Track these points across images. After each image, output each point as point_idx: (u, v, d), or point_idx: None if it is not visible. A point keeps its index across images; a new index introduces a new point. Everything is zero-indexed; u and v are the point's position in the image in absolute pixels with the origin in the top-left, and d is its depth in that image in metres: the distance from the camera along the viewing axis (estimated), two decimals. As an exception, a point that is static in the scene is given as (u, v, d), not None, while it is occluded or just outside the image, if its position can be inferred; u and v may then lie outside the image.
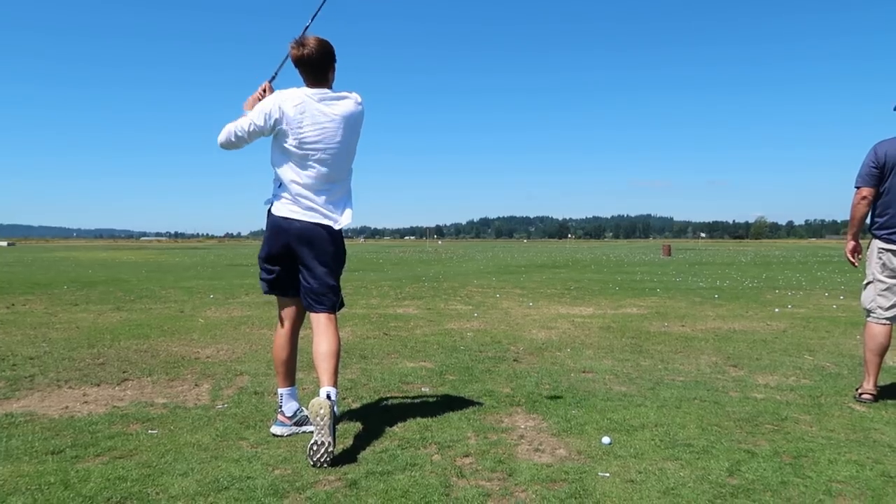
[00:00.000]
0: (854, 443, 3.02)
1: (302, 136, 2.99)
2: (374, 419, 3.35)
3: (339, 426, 3.22)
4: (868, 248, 4.00)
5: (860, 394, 3.80)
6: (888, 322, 3.86)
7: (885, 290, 3.87)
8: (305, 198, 3.02)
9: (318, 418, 2.69)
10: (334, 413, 2.77)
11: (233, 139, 3.04)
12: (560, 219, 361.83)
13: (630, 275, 16.28)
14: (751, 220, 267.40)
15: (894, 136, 3.84)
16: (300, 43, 2.99)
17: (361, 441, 3.00)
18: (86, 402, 3.72)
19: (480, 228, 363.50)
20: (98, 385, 4.13)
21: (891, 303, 3.85)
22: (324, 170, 3.01)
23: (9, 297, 9.92)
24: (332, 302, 3.07)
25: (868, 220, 3.97)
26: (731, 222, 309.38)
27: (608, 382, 4.21)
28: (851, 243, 4.05)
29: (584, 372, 4.54)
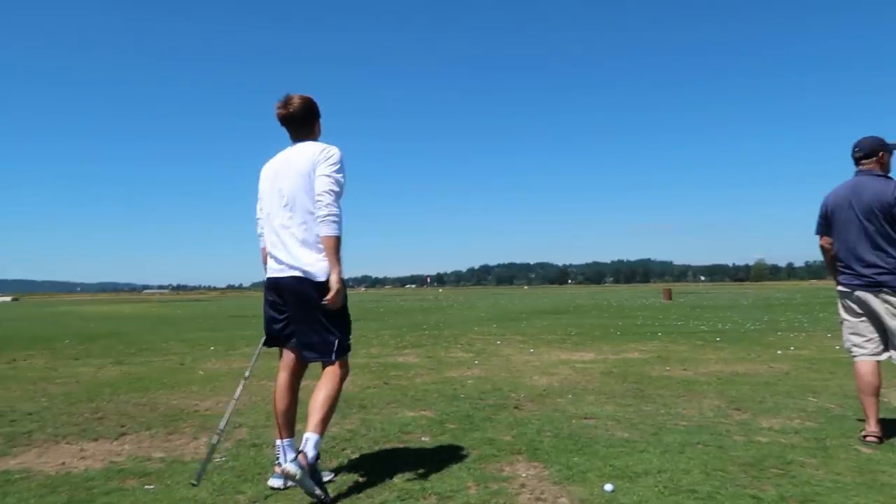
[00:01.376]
0: (862, 486, 2.98)
1: (263, 191, 3.22)
2: (373, 470, 3.31)
3: (338, 477, 3.21)
4: None
5: (864, 436, 3.77)
6: (869, 357, 3.89)
7: (852, 328, 3.98)
8: (280, 252, 3.09)
9: (295, 481, 2.71)
10: (310, 466, 2.77)
11: (258, 232, 3.31)
12: (560, 265, 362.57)
13: (631, 319, 16.21)
14: (751, 263, 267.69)
15: (837, 186, 4.05)
16: (284, 103, 3.16)
17: (360, 492, 2.96)
18: (83, 457, 3.68)
19: (481, 275, 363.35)
20: (96, 440, 4.09)
21: (864, 338, 3.92)
22: (286, 220, 3.07)
23: (10, 352, 9.88)
24: (327, 351, 3.02)
25: None
26: (731, 265, 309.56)
27: (610, 428, 4.17)
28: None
29: (585, 418, 4.50)
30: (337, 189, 3.00)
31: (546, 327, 13.74)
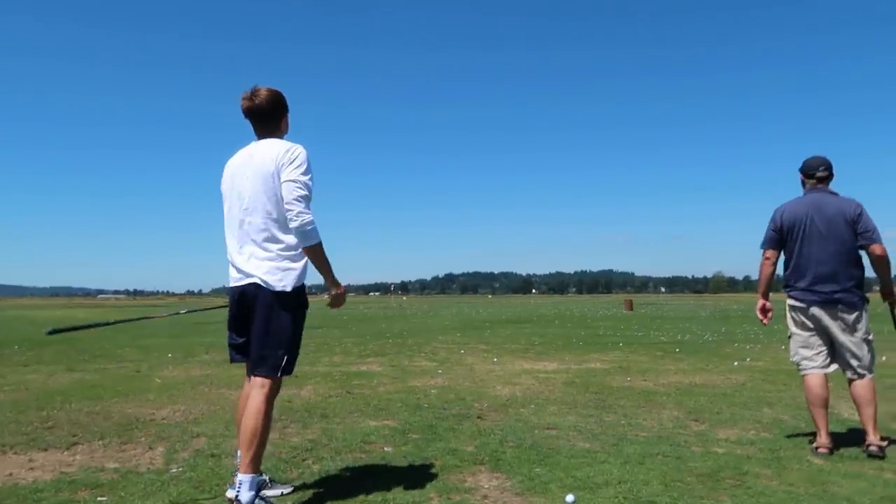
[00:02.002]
0: (813, 496, 3.05)
1: (224, 191, 3.11)
2: (334, 481, 3.28)
3: (298, 489, 3.17)
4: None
5: (816, 447, 3.86)
6: (818, 370, 3.99)
7: (803, 342, 4.07)
8: (237, 258, 2.99)
9: None
10: None
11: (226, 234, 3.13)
12: (524, 274, 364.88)
13: (593, 329, 16.40)
14: (709, 275, 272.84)
15: (792, 200, 4.13)
16: (251, 94, 3.02)
17: (321, 504, 2.92)
18: (31, 468, 3.56)
19: (445, 284, 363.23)
20: (45, 450, 3.96)
21: (814, 351, 4.02)
22: (246, 223, 2.95)
23: (-46, 357, 9.51)
24: (273, 367, 2.90)
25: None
26: (690, 277, 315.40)
27: (572, 439, 4.20)
28: (760, 302, 4.30)
29: (547, 428, 4.52)
30: (306, 193, 2.88)
31: (509, 337, 13.81)
